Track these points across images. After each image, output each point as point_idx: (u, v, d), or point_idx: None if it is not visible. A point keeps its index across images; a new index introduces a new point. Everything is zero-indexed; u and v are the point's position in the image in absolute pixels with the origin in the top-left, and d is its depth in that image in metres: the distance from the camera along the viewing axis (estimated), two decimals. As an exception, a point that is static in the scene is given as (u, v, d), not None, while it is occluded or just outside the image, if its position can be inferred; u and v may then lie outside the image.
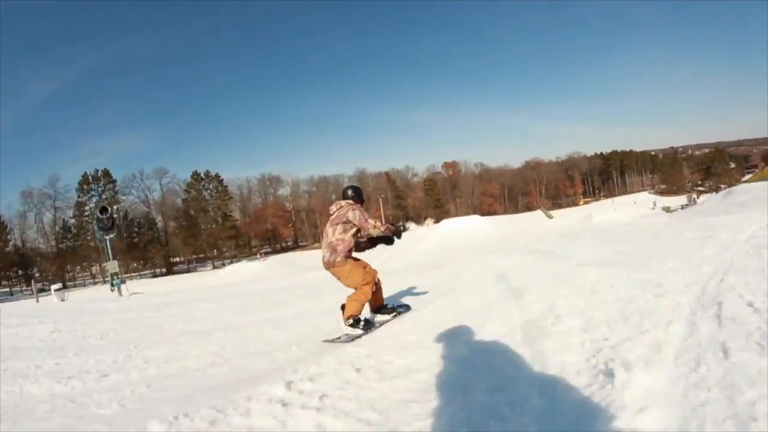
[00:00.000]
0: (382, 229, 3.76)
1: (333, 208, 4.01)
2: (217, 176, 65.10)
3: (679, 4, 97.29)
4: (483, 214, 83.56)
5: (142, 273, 57.01)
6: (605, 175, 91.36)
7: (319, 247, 4.42)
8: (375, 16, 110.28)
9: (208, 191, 63.93)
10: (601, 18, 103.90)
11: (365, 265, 3.90)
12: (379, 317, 4.02)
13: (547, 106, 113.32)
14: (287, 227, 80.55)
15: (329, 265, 3.85)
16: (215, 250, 63.72)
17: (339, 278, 3.89)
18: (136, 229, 60.30)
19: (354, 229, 3.82)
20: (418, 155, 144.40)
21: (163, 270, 58.42)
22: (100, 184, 56.62)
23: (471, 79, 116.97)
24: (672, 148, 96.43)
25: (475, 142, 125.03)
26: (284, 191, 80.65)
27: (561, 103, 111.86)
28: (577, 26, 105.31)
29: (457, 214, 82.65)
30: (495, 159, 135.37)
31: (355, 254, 3.95)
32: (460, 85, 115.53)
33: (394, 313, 4.09)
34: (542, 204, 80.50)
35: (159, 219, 63.59)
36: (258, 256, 57.34)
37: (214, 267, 56.86)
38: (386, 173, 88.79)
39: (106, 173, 57.41)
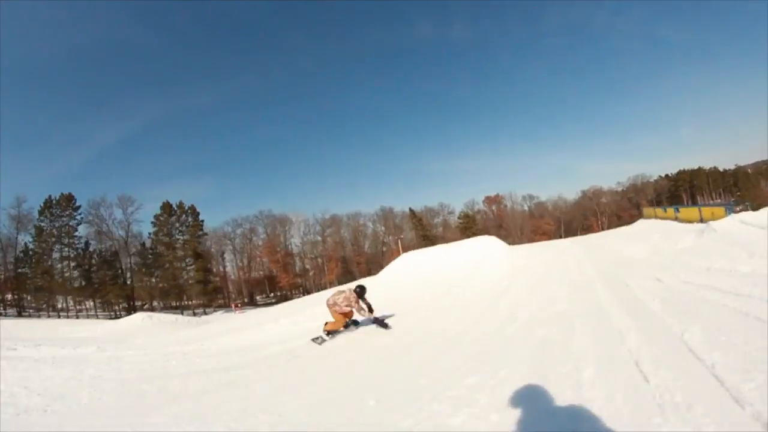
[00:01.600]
0: (370, 313, 8.67)
1: (344, 288, 8.95)
2: (192, 209, 60.11)
3: (713, 23, 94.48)
4: None
5: (99, 314, 51.65)
6: (675, 198, 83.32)
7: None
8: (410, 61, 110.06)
9: (179, 225, 58.76)
10: (640, 45, 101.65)
11: (347, 315, 8.63)
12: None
13: (596, 141, 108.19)
14: (286, 273, 73.34)
15: (331, 308, 8.61)
16: (181, 298, 56.97)
17: (332, 315, 8.63)
18: (94, 264, 55.78)
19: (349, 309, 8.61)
20: (455, 191, 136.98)
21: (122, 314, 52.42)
22: (63, 210, 53.63)
23: (515, 117, 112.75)
24: (737, 166, 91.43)
25: (523, 174, 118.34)
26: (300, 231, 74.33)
27: (610, 138, 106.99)
28: (617, 58, 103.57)
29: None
30: (547, 190, 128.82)
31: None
32: (501, 120, 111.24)
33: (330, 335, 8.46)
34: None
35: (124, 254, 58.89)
36: (233, 307, 51.03)
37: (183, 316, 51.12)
38: (410, 209, 80.00)
39: (69, 197, 54.35)
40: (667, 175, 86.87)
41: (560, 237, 76.43)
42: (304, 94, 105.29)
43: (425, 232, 76.67)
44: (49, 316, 47.63)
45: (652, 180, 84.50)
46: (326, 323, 8.48)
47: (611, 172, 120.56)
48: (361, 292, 8.62)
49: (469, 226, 77.84)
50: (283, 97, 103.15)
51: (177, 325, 23.84)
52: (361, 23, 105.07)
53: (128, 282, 56.70)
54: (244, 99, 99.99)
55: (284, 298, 70.79)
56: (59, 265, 52.57)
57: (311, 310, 12.21)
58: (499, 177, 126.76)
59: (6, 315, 45.00)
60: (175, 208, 59.01)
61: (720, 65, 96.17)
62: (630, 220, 79.18)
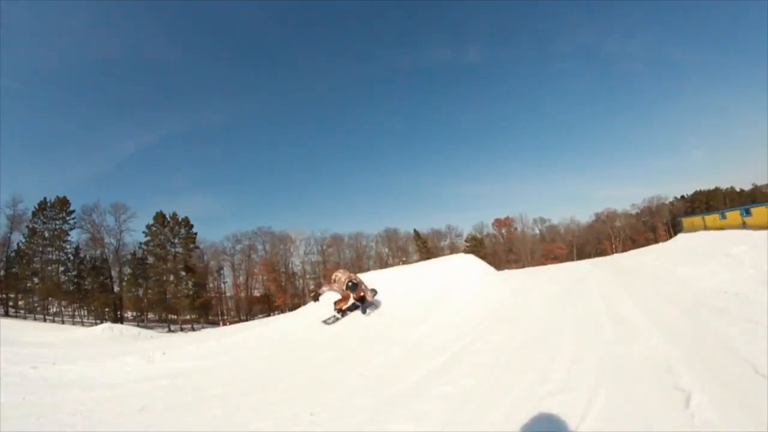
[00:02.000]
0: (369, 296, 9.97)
1: (340, 276, 9.85)
2: (186, 221, 59.39)
3: (725, 44, 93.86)
4: None
5: (86, 321, 50.78)
6: None
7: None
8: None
9: (171, 237, 58.11)
10: (651, 68, 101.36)
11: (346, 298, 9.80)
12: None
13: (608, 165, 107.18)
14: (283, 292, 70.70)
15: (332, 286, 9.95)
16: (169, 311, 55.65)
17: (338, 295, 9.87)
18: (83, 270, 54.99)
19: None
20: (463, 214, 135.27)
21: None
22: (57, 213, 53.64)
23: (526, 141, 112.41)
24: (754, 185, 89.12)
25: (535, 197, 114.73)
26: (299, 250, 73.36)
27: (623, 161, 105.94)
28: (629, 81, 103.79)
29: None
30: (559, 213, 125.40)
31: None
32: (512, 144, 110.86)
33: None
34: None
35: (114, 262, 57.93)
36: (221, 324, 49.60)
37: (170, 330, 51.15)
38: (415, 231, 78.52)
39: (63, 201, 54.20)
40: (682, 196, 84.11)
41: (571, 260, 75.70)
42: (314, 115, 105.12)
43: (430, 254, 74.78)
44: (35, 319, 47.17)
45: (667, 201, 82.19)
46: (336, 302, 9.57)
47: (625, 196, 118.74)
48: (352, 287, 9.41)
49: (477, 249, 75.96)
50: (293, 117, 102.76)
51: (138, 338, 22.41)
52: (374, 45, 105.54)
53: (116, 291, 55.54)
54: (255, 117, 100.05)
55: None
56: (48, 268, 52.08)
57: (215, 342, 8.97)
58: (509, 200, 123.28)
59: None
60: (169, 219, 58.25)
61: (732, 85, 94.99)
62: (645, 244, 77.85)
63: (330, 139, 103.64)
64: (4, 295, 49.84)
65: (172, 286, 55.73)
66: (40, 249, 52.18)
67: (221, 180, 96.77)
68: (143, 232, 57.47)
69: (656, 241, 76.63)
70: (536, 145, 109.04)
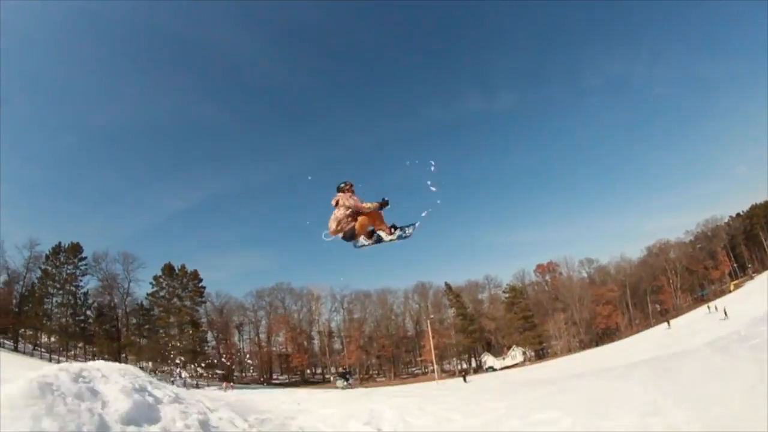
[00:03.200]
0: (371, 206, 6.63)
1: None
2: (194, 274, 61.28)
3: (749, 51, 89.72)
4: (600, 332, 68.05)
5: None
6: (751, 237, 73.59)
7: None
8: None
9: (179, 289, 59.96)
10: (681, 88, 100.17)
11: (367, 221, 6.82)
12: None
13: (656, 196, 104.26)
14: (300, 352, 68.71)
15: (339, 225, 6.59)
16: (168, 363, 55.24)
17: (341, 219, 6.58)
18: (91, 317, 58.05)
19: (350, 211, 6.59)
20: (502, 263, 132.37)
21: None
22: (68, 258, 57.20)
23: (565, 183, 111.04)
24: None
25: (579, 239, 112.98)
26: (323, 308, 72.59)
27: (670, 191, 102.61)
28: (662, 104, 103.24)
29: (560, 337, 67.11)
30: (607, 252, 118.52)
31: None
32: (552, 187, 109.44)
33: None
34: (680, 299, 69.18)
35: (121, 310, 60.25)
36: (223, 385, 49.52)
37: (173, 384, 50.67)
38: (446, 284, 74.62)
39: (76, 247, 57.64)
40: (738, 214, 78.07)
41: (626, 305, 70.18)
42: (345, 168, 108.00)
43: (463, 310, 72.43)
44: (41, 357, 49.37)
45: (723, 222, 76.95)
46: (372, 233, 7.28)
47: (677, 225, 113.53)
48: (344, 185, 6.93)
49: (517, 301, 71.77)
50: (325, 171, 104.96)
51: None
52: (402, 99, 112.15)
53: (120, 339, 56.92)
54: (285, 177, 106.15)
55: (302, 379, 67.78)
56: (56, 311, 55.16)
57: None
58: (552, 244, 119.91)
59: (4, 347, 48.46)
60: (177, 272, 59.99)
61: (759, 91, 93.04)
62: (705, 274, 75.24)
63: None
64: (14, 330, 53.08)
65: (174, 339, 56.22)
66: (51, 291, 55.26)
67: (247, 237, 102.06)
68: (150, 283, 58.98)
69: (716, 269, 72.20)
70: (576, 184, 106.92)
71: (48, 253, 56.64)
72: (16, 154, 75.92)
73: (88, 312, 57.97)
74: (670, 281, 71.11)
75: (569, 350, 64.31)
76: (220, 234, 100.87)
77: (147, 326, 57.54)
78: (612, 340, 63.05)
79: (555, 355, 64.98)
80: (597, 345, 63.38)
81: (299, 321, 70.17)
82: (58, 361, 49.21)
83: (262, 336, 69.55)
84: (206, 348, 59.90)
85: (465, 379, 45.96)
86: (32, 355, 49.52)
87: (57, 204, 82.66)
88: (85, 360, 54.99)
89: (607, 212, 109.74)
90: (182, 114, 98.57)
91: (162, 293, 58.70)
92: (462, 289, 75.00)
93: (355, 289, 74.52)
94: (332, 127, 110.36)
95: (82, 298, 57.54)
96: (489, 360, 67.25)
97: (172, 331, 56.78)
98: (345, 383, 17.33)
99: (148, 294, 58.87)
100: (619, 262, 75.99)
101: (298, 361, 66.68)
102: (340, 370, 59.06)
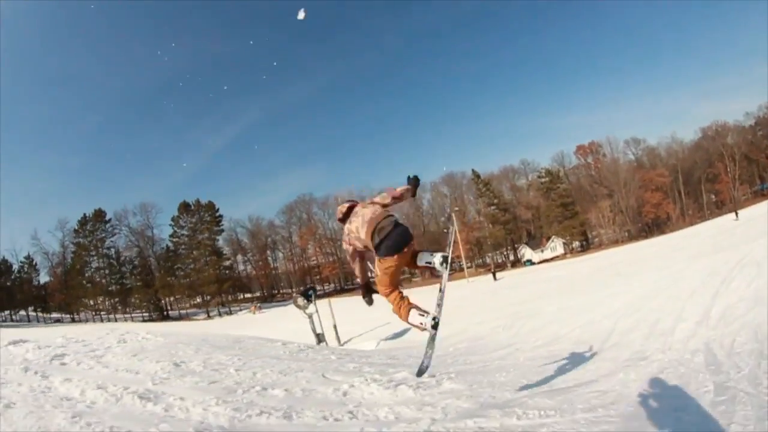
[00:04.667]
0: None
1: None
2: (209, 205, 66.03)
3: None
4: (650, 223, 65.08)
5: (134, 316, 61.39)
6: None
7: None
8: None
9: (197, 224, 65.41)
10: None
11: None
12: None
13: (711, 77, 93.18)
14: (331, 263, 71.93)
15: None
16: (199, 297, 63.48)
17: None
18: (126, 272, 65.02)
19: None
20: (541, 147, 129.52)
21: (152, 316, 61.11)
22: (95, 225, 64.01)
23: (611, 58, 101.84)
24: None
25: (623, 116, 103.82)
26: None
27: (732, 71, 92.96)
28: None
29: (605, 227, 65.87)
30: (656, 132, 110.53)
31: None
32: (595, 64, 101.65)
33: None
34: (739, 191, 65.16)
35: (151, 258, 66.67)
36: (252, 308, 54.03)
37: (209, 316, 57.44)
38: (473, 171, 72.85)
39: (99, 213, 63.93)
40: None
41: (678, 193, 66.98)
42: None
43: (493, 199, 71.07)
44: (93, 321, 57.10)
45: None
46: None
47: (734, 111, 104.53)
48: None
49: (554, 186, 69.33)
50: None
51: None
52: None
53: (150, 286, 63.08)
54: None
55: (341, 288, 71.18)
56: (96, 275, 63.23)
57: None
58: (593, 128, 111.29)
59: (63, 321, 56.07)
60: (193, 207, 65.16)
61: None
62: (767, 164, 68.63)
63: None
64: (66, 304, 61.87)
65: (201, 272, 62.11)
66: (87, 259, 62.98)
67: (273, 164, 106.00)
68: (170, 225, 64.58)
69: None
70: (623, 61, 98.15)
71: (76, 227, 63.52)
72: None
73: (123, 268, 64.56)
74: (728, 169, 66.29)
75: (616, 242, 62.67)
76: (246, 168, 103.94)
77: (177, 266, 63.29)
78: (663, 232, 59.94)
79: (600, 246, 63.73)
80: (647, 236, 60.68)
81: (327, 230, 72.49)
82: (109, 320, 58.30)
83: (297, 252, 73.51)
84: (234, 274, 65.79)
85: (495, 276, 45.25)
86: (86, 321, 55.95)
87: (77, 181, 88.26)
88: (125, 313, 63.31)
89: (657, 92, 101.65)
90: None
91: (182, 231, 64.23)
92: (495, 177, 73.08)
93: (379, 186, 74.64)
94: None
95: (115, 258, 64.62)
96: (527, 253, 67.80)
97: (198, 265, 62.36)
98: (305, 302, 15.93)
99: (169, 236, 64.79)
100: (670, 144, 71.00)
101: (329, 272, 70.10)
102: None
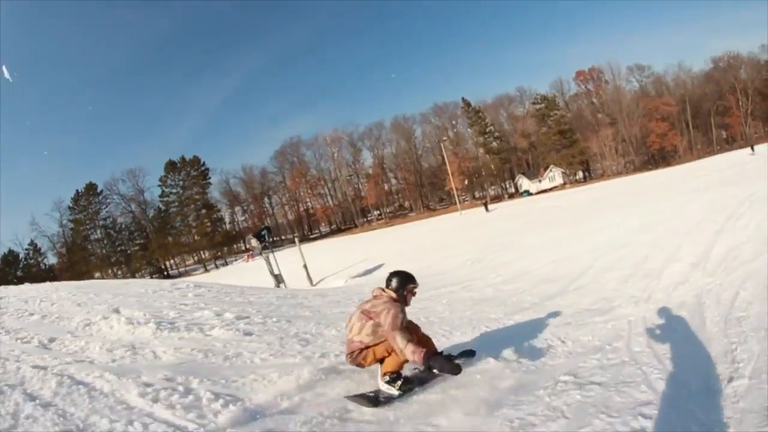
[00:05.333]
0: (411, 355, 3.09)
1: (373, 293, 3.66)
2: (194, 160, 66.98)
3: None
4: (655, 154, 62.95)
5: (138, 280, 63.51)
6: None
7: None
8: None
9: (185, 180, 66.99)
10: None
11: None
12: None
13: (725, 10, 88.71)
14: (324, 204, 72.93)
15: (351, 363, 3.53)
16: (194, 253, 66.45)
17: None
18: (124, 238, 67.41)
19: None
20: (538, 74, 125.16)
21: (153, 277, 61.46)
22: (88, 198, 65.70)
23: None
24: None
25: (627, 40, 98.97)
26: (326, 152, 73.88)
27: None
28: None
29: (606, 157, 63.61)
30: (662, 58, 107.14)
31: None
32: None
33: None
34: (751, 126, 61.77)
35: (145, 222, 68.66)
36: (245, 257, 53.91)
37: (206, 270, 58.84)
38: (463, 99, 70.35)
39: (90, 187, 65.40)
40: None
41: (686, 125, 64.11)
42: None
43: (485, 127, 68.75)
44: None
45: None
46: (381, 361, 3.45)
47: (745, 46, 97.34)
48: (399, 285, 3.57)
49: (550, 113, 66.66)
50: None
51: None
52: None
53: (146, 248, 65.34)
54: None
55: (338, 229, 72.06)
56: (96, 247, 65.84)
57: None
58: (595, 54, 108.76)
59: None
60: (178, 164, 66.23)
61: None
62: None
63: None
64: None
65: (193, 228, 64.72)
66: (85, 233, 64.84)
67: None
68: (158, 185, 65.85)
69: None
70: None
71: (70, 204, 65.14)
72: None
73: (121, 235, 66.41)
74: (740, 104, 62.76)
75: (619, 173, 60.80)
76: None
77: (169, 225, 65.06)
78: (669, 165, 57.44)
79: (602, 177, 61.96)
80: (652, 168, 58.35)
81: (317, 171, 72.90)
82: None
83: (291, 197, 73.91)
84: (225, 225, 68.20)
85: (487, 208, 44.98)
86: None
87: (66, 161, 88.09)
88: (131, 278, 62.73)
89: (665, 24, 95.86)
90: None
91: (170, 190, 65.82)
92: (489, 106, 70.57)
93: (368, 123, 75.55)
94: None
95: (112, 227, 66.36)
96: (524, 183, 66.67)
97: (190, 221, 64.65)
98: (258, 243, 15.90)
99: (159, 196, 66.42)
100: (678, 73, 66.99)
101: (321, 213, 71.51)
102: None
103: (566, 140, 64.48)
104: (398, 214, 69.73)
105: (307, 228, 72.41)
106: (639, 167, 60.56)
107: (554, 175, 63.98)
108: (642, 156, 63.22)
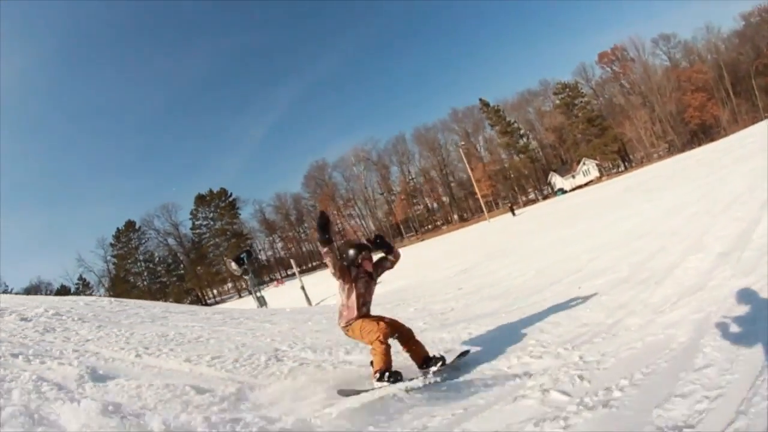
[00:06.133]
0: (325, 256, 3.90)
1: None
2: (221, 192, 69.98)
3: None
4: (697, 127, 57.49)
5: None
6: None
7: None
8: None
9: (214, 212, 70.19)
10: None
11: (377, 320, 4.09)
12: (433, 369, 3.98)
13: None
14: (355, 227, 72.07)
15: (343, 330, 4.19)
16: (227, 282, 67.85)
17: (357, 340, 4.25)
18: (162, 270, 70.32)
19: (344, 285, 4.05)
20: (559, 66, 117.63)
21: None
22: (128, 235, 70.00)
23: None
24: None
25: (649, 6, 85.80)
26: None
27: None
28: None
29: (642, 141, 59.18)
30: (688, 24, 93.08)
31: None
32: None
33: (441, 363, 4.03)
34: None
35: (181, 254, 71.37)
36: (276, 282, 54.43)
37: (240, 296, 59.45)
38: (480, 100, 67.77)
39: (129, 224, 69.69)
40: None
41: (725, 91, 58.49)
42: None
43: (505, 127, 65.31)
44: None
45: None
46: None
47: None
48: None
49: (572, 101, 62.80)
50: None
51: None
52: None
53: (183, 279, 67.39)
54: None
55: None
56: (137, 280, 69.49)
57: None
58: (615, 30, 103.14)
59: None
60: (207, 197, 69.41)
61: None
62: None
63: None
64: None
65: (224, 256, 63.53)
66: (127, 267, 68.70)
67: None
68: (189, 219, 69.09)
69: None
70: None
71: (112, 241, 69.66)
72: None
73: (159, 268, 69.34)
74: None
75: (659, 156, 55.65)
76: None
77: (202, 256, 67.44)
78: (713, 140, 50.71)
79: (642, 163, 56.58)
80: (695, 146, 52.02)
81: (349, 191, 73.10)
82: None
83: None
84: (260, 252, 70.28)
85: (513, 213, 43.73)
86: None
87: (108, 200, 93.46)
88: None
89: None
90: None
91: (201, 222, 68.99)
92: (511, 105, 67.28)
93: (387, 137, 75.01)
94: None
95: (150, 260, 69.86)
96: (557, 181, 62.96)
97: (222, 251, 66.15)
98: (237, 267, 15.58)
99: (190, 228, 69.53)
100: (707, 37, 61.35)
101: (352, 233, 69.41)
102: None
103: (596, 129, 60.50)
104: (428, 229, 68.62)
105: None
106: (681, 148, 55.08)
107: (588, 169, 59.96)
108: (683, 135, 57.90)
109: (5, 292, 56.95)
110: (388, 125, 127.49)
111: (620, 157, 61.69)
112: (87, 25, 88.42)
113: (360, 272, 4.03)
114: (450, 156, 68.72)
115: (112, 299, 9.57)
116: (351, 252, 4.05)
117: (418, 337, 4.16)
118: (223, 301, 61.37)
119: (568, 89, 62.90)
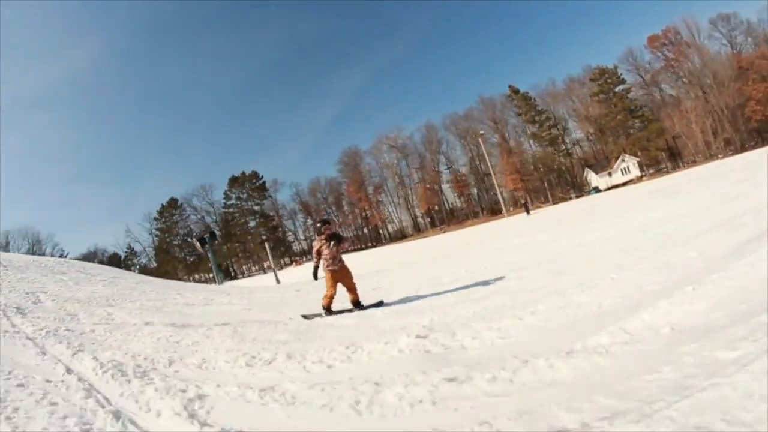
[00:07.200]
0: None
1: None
2: (253, 174, 78.86)
3: None
4: (759, 124, 52.64)
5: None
6: None
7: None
8: None
9: (244, 193, 79.25)
10: None
11: (333, 278, 7.11)
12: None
13: None
14: (377, 211, 74.65)
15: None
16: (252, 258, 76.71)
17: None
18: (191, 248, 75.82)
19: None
20: (606, 53, 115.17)
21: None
22: (171, 211, 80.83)
23: None
24: None
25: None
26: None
27: None
28: None
29: (690, 135, 54.18)
30: (753, 1, 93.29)
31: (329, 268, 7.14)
32: None
33: (359, 307, 7.14)
34: None
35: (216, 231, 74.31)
36: (294, 263, 58.04)
37: (264, 272, 61.74)
38: (510, 87, 66.58)
39: (172, 202, 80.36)
40: None
41: None
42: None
43: (535, 117, 62.84)
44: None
45: None
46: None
47: None
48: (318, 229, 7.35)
49: (607, 89, 59.26)
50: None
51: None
52: None
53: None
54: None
55: (402, 237, 73.45)
56: (177, 252, 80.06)
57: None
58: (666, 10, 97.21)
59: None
60: (239, 178, 77.85)
61: None
62: None
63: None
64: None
65: (253, 235, 75.29)
66: (169, 241, 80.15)
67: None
68: (222, 199, 78.24)
69: None
70: None
71: (156, 215, 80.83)
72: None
73: (197, 243, 74.52)
74: None
75: (712, 156, 50.65)
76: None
77: (232, 233, 75.74)
78: None
79: (694, 163, 51.50)
80: (757, 146, 47.15)
81: (381, 178, 76.31)
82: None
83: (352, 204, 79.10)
84: (287, 234, 78.15)
85: (528, 212, 43.14)
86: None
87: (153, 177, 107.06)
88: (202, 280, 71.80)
89: None
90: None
91: (231, 202, 77.51)
92: (552, 93, 64.68)
93: (417, 123, 80.00)
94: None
95: (188, 235, 78.01)
96: (592, 179, 58.96)
97: (250, 229, 75.65)
98: (200, 247, 21.23)
99: (222, 207, 78.55)
100: None
101: (378, 219, 74.33)
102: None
103: (637, 120, 56.38)
104: (453, 221, 68.89)
105: (368, 236, 75.79)
106: (738, 146, 50.15)
107: (628, 167, 55.57)
108: (742, 132, 52.50)
109: (61, 256, 61.61)
110: (415, 113, 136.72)
111: (668, 155, 57.02)
112: (164, 15, 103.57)
113: (328, 253, 6.89)
114: (475, 145, 66.72)
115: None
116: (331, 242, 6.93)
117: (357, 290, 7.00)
118: (249, 275, 67.69)
119: (606, 74, 58.81)
